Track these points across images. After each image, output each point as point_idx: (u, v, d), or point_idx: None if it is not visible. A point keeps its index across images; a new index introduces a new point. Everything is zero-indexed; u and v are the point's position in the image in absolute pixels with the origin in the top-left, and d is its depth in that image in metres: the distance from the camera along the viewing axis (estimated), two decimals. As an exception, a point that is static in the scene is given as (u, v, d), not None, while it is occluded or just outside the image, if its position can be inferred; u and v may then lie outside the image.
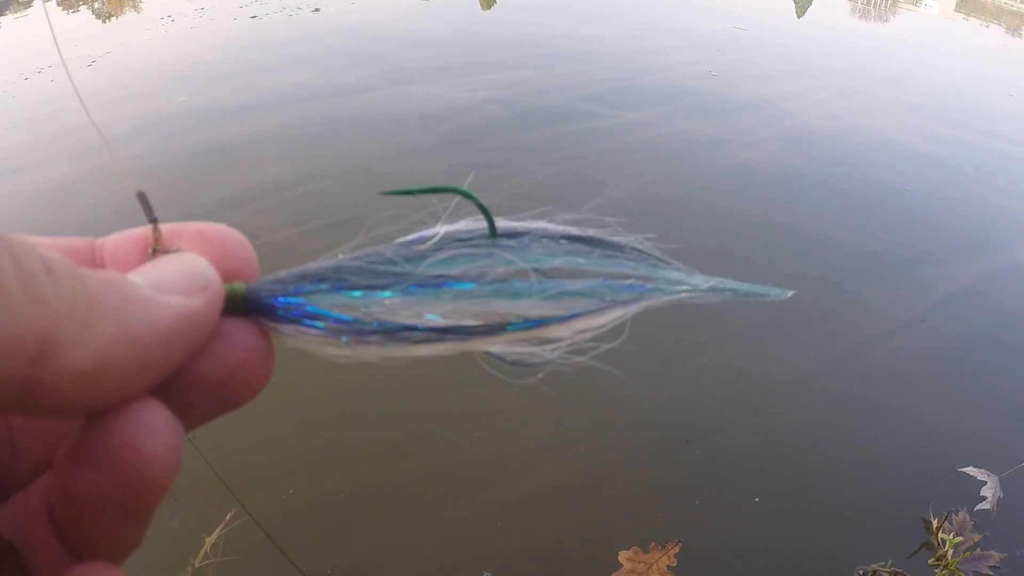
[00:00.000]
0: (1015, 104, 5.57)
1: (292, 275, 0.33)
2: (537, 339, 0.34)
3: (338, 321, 0.33)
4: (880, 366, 2.56)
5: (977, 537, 1.95)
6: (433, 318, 0.33)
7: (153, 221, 0.33)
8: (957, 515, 2.01)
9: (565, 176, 3.68)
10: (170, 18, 6.43)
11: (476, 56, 5.49)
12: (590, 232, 0.37)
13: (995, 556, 1.91)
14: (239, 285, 0.33)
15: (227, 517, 1.91)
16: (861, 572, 1.87)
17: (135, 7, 7.04)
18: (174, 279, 0.30)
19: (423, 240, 0.35)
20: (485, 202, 0.36)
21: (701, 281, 0.37)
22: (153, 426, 0.28)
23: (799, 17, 8.00)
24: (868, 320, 2.78)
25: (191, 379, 0.31)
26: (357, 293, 0.33)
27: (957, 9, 9.61)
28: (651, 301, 0.36)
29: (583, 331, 0.34)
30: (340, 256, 0.34)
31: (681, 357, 2.55)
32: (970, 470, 2.15)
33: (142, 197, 0.34)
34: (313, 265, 0.34)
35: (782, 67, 5.86)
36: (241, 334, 0.32)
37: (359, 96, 4.63)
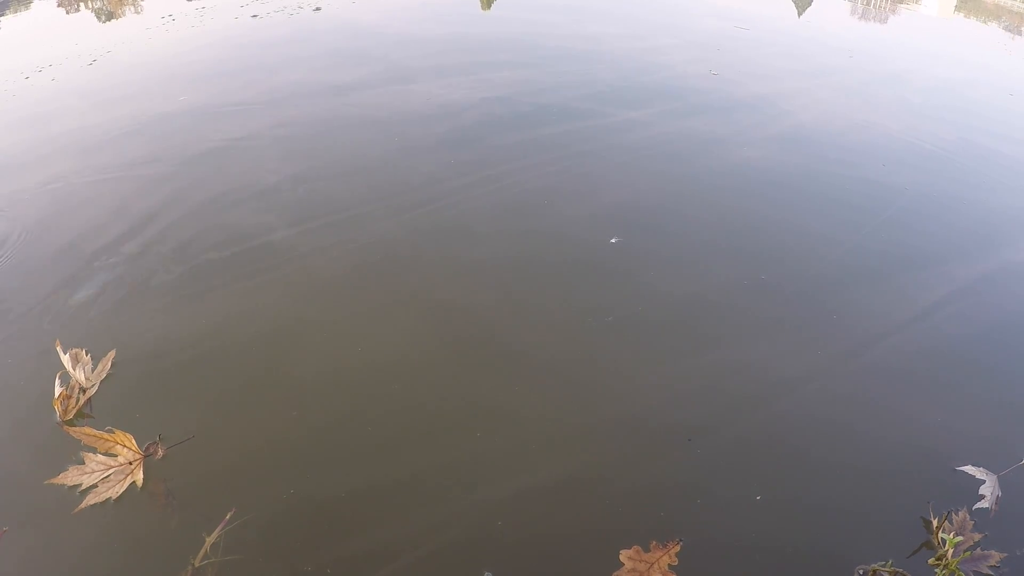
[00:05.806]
0: (1015, 103, 5.57)
1: None
2: None
3: None
4: (880, 365, 2.56)
5: (977, 537, 1.95)
6: None
7: None
8: (957, 515, 2.00)
9: (566, 174, 3.68)
10: (171, 17, 6.42)
11: (476, 55, 5.49)
12: None
13: (995, 556, 1.91)
14: None
15: (227, 517, 1.91)
16: (861, 571, 1.87)
17: (135, 6, 7.04)
18: None
19: None
20: None
21: None
22: None
23: (799, 16, 7.99)
24: (868, 319, 2.77)
25: None
26: None
27: (957, 9, 9.60)
28: None
29: None
30: None
31: (683, 355, 2.55)
32: (968, 469, 2.15)
33: None
34: None
35: (783, 66, 5.85)
36: None
37: (359, 95, 4.62)
